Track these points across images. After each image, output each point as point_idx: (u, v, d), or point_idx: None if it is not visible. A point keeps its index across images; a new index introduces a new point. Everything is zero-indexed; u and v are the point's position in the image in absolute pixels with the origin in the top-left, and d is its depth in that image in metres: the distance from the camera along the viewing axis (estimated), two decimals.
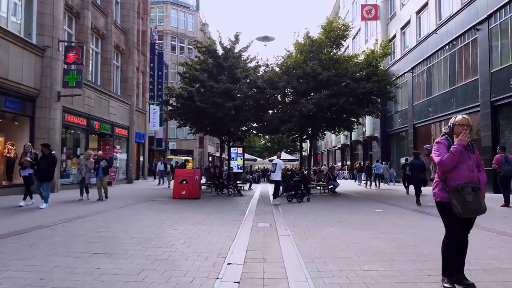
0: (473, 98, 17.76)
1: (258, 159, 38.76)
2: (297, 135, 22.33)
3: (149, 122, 30.00)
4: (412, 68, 24.69)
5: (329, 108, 16.01)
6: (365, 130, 33.96)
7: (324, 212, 10.43)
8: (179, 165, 21.87)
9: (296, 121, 16.12)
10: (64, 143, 16.61)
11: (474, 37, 17.77)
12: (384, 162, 25.92)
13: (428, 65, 22.80)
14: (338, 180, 20.25)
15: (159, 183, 21.94)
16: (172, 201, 13.18)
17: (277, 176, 13.08)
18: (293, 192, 13.90)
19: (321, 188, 18.84)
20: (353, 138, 37.47)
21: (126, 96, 23.57)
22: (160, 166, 19.24)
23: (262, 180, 35.72)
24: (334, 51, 18.36)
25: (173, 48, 50.33)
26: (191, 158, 43.09)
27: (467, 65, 18.62)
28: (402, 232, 7.11)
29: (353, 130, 24.27)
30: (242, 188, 21.86)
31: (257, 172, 36.77)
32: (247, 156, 37.11)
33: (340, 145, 44.42)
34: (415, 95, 24.59)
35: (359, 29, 35.25)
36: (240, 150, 29.79)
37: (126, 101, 23.65)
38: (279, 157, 13.98)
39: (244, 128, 17.03)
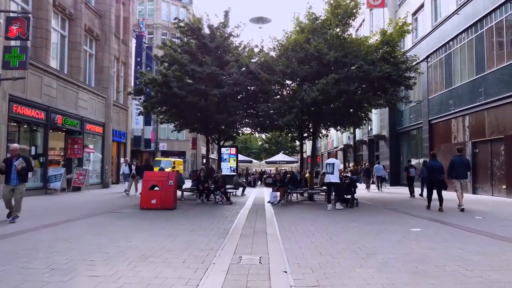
0: (510, 86, 14.81)
1: (255, 160, 35.79)
2: (296, 133, 19.37)
3: (131, 120, 26.92)
4: (427, 57, 21.75)
5: (337, 96, 13.02)
6: (371, 129, 30.99)
7: (339, 231, 7.41)
8: (139, 166, 18.73)
9: (297, 112, 13.12)
10: (12, 140, 13.53)
11: (510, 12, 14.85)
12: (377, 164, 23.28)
13: (447, 52, 19.88)
14: None
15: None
16: (137, 214, 10.14)
17: (336, 178, 11.56)
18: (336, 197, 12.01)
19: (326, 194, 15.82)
20: (357, 138, 34.46)
21: (101, 88, 20.53)
22: (124, 169, 16.04)
23: (259, 183, 32.72)
24: (340, 33, 15.37)
25: (164, 43, 47.35)
26: (182, 160, 40.05)
27: (501, 47, 15.68)
28: (491, 281, 4.12)
29: (361, 127, 21.29)
30: (234, 193, 18.87)
31: (253, 175, 33.75)
32: (242, 157, 34.08)
33: (342, 146, 41.43)
34: (431, 87, 21.65)
35: (363, 20, 32.33)
36: (233, 150, 26.94)
37: (101, 94, 20.61)
38: (333, 156, 12.08)
39: (232, 120, 13.91)
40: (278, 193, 14.96)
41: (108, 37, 21.49)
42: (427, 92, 21.91)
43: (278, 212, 10.93)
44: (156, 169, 26.77)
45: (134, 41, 30.76)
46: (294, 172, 18.94)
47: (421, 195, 15.94)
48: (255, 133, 20.25)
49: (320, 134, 21.41)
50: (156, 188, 11.12)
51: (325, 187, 18.70)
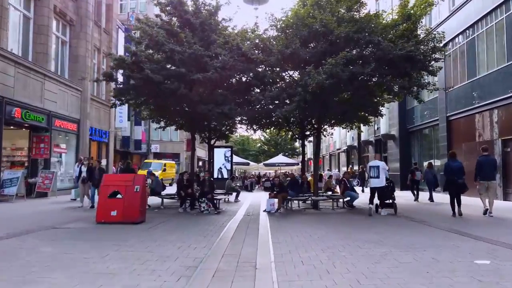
0: None
1: (252, 163, 33.30)
2: (297, 131, 16.87)
3: (114, 117, 24.41)
4: (445, 45, 19.26)
5: (349, 81, 10.54)
6: (378, 128, 28.49)
7: (365, 264, 4.89)
8: (122, 168, 16.11)
9: (299, 101, 10.62)
10: None
11: None
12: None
13: (470, 37, 17.42)
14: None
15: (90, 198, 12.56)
16: (84, 232, 7.63)
17: (382, 182, 10.56)
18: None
19: (334, 200, 13.32)
20: (362, 138, 31.99)
21: (76, 80, 18.03)
22: (76, 171, 13.09)
23: (256, 187, 30.18)
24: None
25: (139, 19, 44.78)
26: (174, 162, 37.50)
27: None
28: None
29: (370, 123, 18.78)
30: (227, 200, 16.39)
31: (250, 179, 31.20)
32: (238, 159, 31.59)
33: (345, 148, 38.92)
34: (450, 78, 19.16)
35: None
36: (228, 152, 24.47)
37: (75, 86, 18.11)
38: (378, 158, 11.86)
39: (220, 112, 11.34)
40: (276, 200, 12.48)
41: (85, 23, 19.03)
42: (444, 85, 19.39)
43: (276, 227, 8.43)
44: (143, 172, 24.39)
45: (122, 34, 28.34)
46: (295, 175, 16.40)
47: (430, 199, 14.89)
48: (249, 130, 17.76)
49: (324, 132, 19.05)
50: (118, 196, 8.61)
51: (330, 193, 16.33)
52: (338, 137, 42.26)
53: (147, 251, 5.71)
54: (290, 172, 30.37)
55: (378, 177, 10.46)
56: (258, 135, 55.36)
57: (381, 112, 14.11)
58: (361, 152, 33.95)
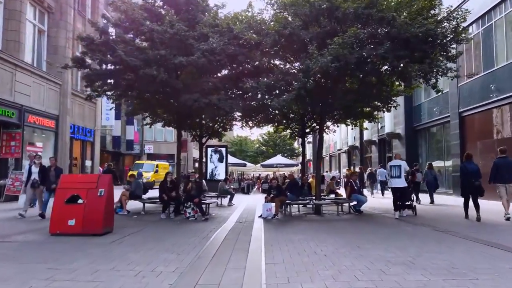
0: None
1: (249, 164, 31.69)
2: (297, 128, 15.34)
3: (101, 115, 22.77)
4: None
5: (358, 66, 8.98)
6: (382, 127, 26.95)
7: None
8: (104, 171, 14.27)
9: (299, 88, 9.04)
10: None
11: None
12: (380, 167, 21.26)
13: (487, 25, 15.88)
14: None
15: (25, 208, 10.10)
16: (29, 247, 6.03)
17: (403, 182, 10.24)
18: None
19: (339, 205, 11.74)
20: (364, 138, 30.44)
21: (54, 72, 16.42)
22: (25, 172, 10.63)
23: (254, 189, 28.57)
24: None
25: None
26: (168, 163, 35.84)
27: None
28: None
29: (376, 120, 17.20)
30: (219, 204, 14.84)
31: (247, 180, 29.59)
32: (235, 160, 29.98)
33: (346, 148, 37.34)
34: (463, 72, 17.62)
35: None
36: (223, 151, 22.94)
37: (54, 79, 16.50)
38: (399, 157, 10.89)
39: (207, 102, 9.70)
40: (273, 205, 10.92)
41: (65, 11, 17.44)
42: (456, 79, 17.84)
43: (272, 239, 6.84)
44: (130, 174, 22.85)
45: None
46: (294, 176, 14.82)
47: (431, 202, 14.41)
48: (245, 128, 16.23)
49: (327, 130, 17.50)
50: (79, 201, 7.01)
51: (333, 195, 14.75)
52: (338, 138, 40.71)
53: (89, 280, 4.11)
54: (289, 174, 28.70)
55: (399, 177, 9.96)
56: (256, 135, 53.81)
57: (393, 104, 12.53)
58: (364, 153, 32.36)
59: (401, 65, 8.98)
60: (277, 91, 10.15)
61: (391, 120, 24.75)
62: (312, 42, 9.42)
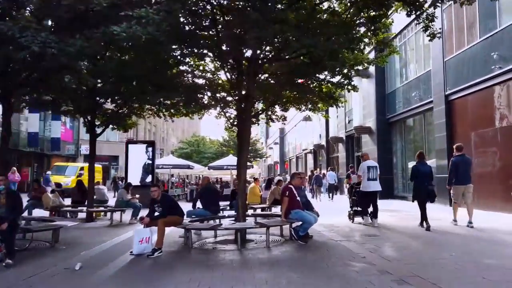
0: None
1: (197, 166, 26.80)
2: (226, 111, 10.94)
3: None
4: None
5: None
6: (349, 121, 22.79)
7: None
8: None
9: None
10: None
11: None
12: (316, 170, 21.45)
13: None
14: None
15: None
16: None
17: (379, 185, 9.13)
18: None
19: (267, 229, 7.09)
20: (330, 134, 26.21)
21: None
22: None
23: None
24: None
25: None
26: (100, 166, 30.40)
27: None
28: None
29: (342, 104, 12.84)
30: (114, 221, 10.07)
31: (191, 185, 24.66)
32: (177, 161, 24.88)
33: (312, 148, 33.11)
34: (451, 41, 13.51)
35: None
36: (142, 146, 18.07)
37: None
38: (367, 158, 9.76)
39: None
40: (151, 231, 6.27)
41: None
42: (442, 51, 13.75)
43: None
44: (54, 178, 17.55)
45: None
46: (209, 179, 10.06)
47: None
48: (163, 114, 11.83)
49: (273, 117, 13.22)
50: None
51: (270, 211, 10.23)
52: (304, 138, 36.54)
53: None
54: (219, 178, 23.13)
55: (376, 179, 9.15)
56: (216, 136, 48.74)
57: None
58: (330, 152, 28.16)
59: None
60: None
61: (360, 112, 20.59)
62: None
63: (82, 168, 25.62)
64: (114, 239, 7.85)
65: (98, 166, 29.58)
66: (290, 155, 47.28)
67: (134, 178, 17.23)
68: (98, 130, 11.86)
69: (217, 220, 8.06)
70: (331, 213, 11.03)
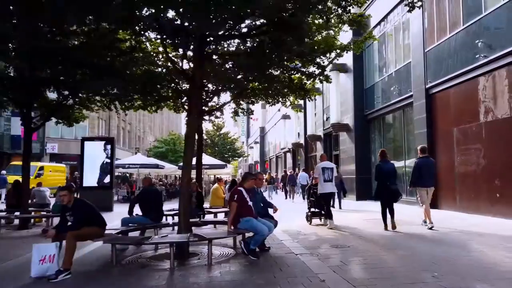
0: None
1: (168, 165, 25.15)
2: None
3: None
4: None
5: None
6: (327, 118, 21.70)
7: None
8: None
9: None
10: None
11: None
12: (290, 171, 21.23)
13: None
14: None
15: None
16: None
17: (334, 187, 9.21)
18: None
19: (210, 243, 5.81)
20: (308, 132, 25.08)
21: None
22: None
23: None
24: None
25: None
26: (64, 165, 28.47)
27: None
28: None
29: (314, 96, 11.68)
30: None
31: (159, 186, 23.06)
32: (143, 160, 23.24)
33: (290, 147, 31.99)
34: (432, 30, 12.47)
35: None
36: (100, 143, 16.54)
37: None
38: (325, 159, 9.59)
39: None
40: (55, 247, 4.85)
41: None
42: (423, 41, 12.72)
43: None
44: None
45: None
46: (152, 179, 8.65)
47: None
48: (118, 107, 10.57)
49: (239, 110, 12.05)
50: None
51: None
52: (283, 137, 35.38)
53: None
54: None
55: (332, 180, 8.99)
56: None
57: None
58: (308, 151, 27.06)
59: None
60: None
61: (337, 108, 19.48)
62: None
63: (41, 168, 23.81)
64: (29, 254, 6.42)
65: (61, 166, 27.97)
66: (270, 154, 46.14)
67: (91, 178, 15.78)
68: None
69: (157, 230, 6.71)
70: (303, 215, 9.86)
